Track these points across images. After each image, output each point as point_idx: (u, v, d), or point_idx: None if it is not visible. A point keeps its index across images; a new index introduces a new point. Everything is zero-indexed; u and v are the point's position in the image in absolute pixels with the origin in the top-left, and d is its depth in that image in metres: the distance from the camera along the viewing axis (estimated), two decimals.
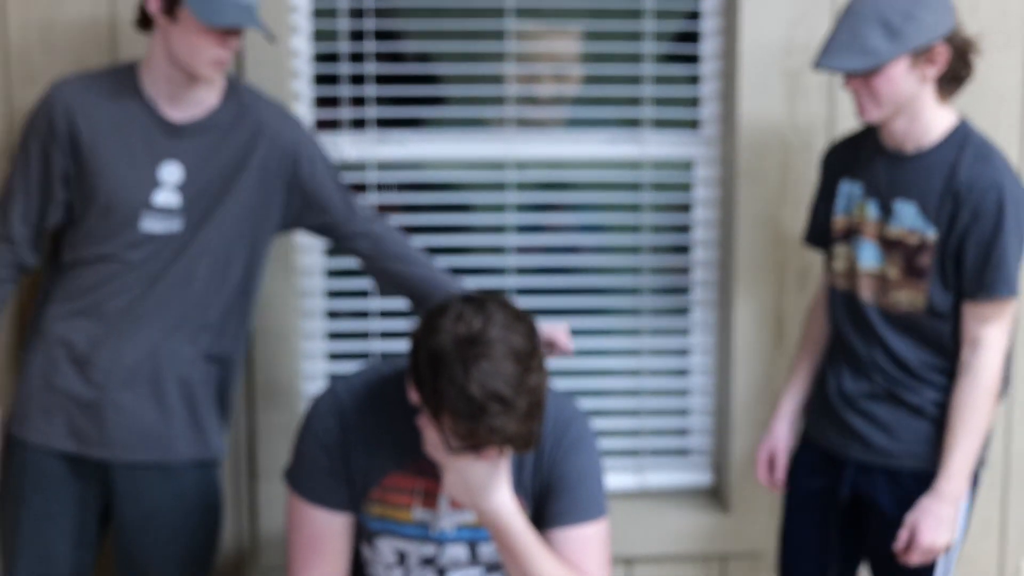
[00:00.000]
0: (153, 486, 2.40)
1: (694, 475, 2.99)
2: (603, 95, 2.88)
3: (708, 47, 2.84)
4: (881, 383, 2.39)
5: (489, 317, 1.91)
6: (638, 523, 2.89)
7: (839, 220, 2.45)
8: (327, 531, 2.12)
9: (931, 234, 2.31)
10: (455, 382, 1.87)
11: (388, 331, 2.86)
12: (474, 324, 1.90)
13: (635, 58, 2.85)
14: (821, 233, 2.52)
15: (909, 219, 2.33)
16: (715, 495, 2.98)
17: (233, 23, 2.24)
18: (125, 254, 2.35)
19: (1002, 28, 2.78)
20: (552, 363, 2.30)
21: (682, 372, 2.98)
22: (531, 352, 1.93)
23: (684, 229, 2.93)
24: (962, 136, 2.33)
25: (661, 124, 2.88)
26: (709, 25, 2.83)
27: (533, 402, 1.91)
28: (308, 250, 2.82)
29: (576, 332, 2.92)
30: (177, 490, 2.41)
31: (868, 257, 2.38)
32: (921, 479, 2.35)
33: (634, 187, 2.90)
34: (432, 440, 1.98)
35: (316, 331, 2.87)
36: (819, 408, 2.52)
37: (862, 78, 2.28)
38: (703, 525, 2.91)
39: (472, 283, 2.78)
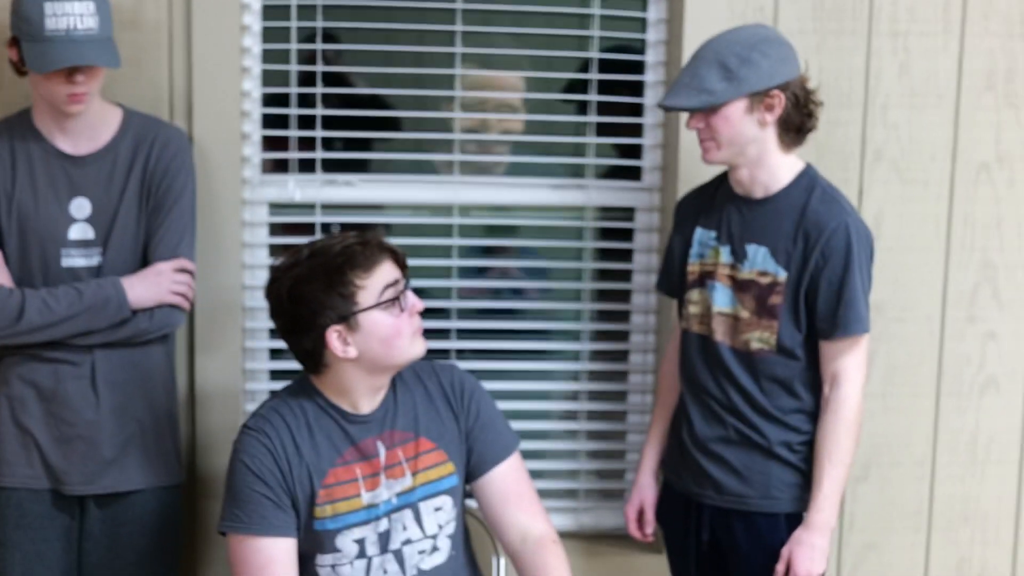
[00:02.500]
0: (121, 513, 2.47)
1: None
2: (548, 142, 2.95)
3: (650, 97, 2.91)
4: (733, 426, 2.44)
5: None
6: (575, 565, 2.90)
7: (693, 266, 2.51)
8: (275, 558, 2.20)
9: (782, 276, 2.38)
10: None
11: None
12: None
13: (579, 106, 2.91)
14: (675, 281, 2.58)
15: (760, 262, 2.40)
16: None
17: (59, 66, 2.29)
18: None
19: (933, 88, 2.88)
20: (492, 403, 2.39)
21: (620, 414, 3.03)
22: None
23: (626, 274, 2.99)
24: (809, 180, 2.41)
25: (603, 172, 2.94)
26: (651, 76, 2.90)
27: None
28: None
29: (517, 374, 2.98)
30: (145, 515, 2.49)
31: (721, 299, 2.44)
32: (774, 521, 2.43)
33: (577, 232, 2.96)
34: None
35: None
36: (675, 455, 2.58)
37: (703, 118, 2.35)
38: (639, 567, 2.95)
39: None
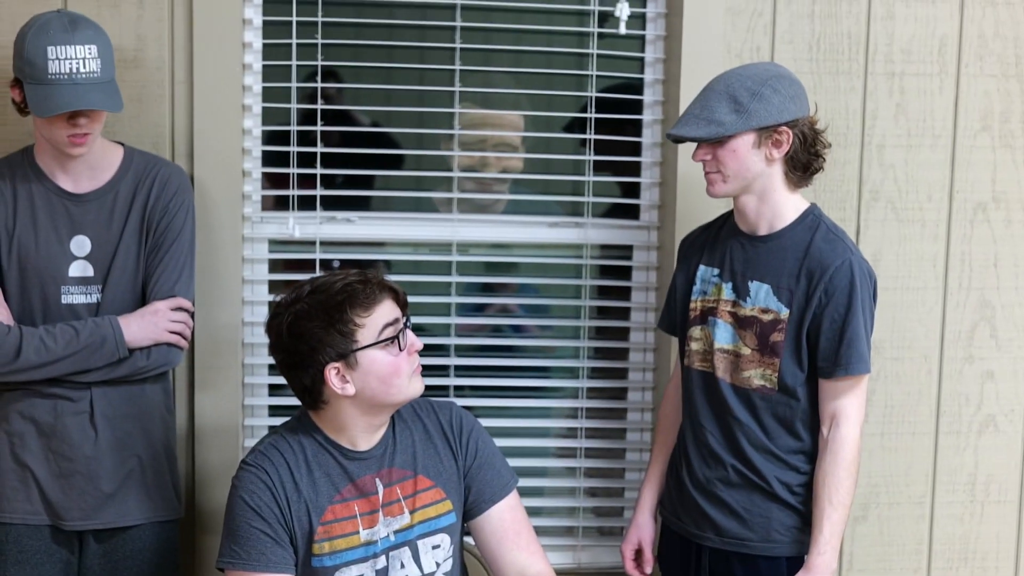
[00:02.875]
0: (120, 548, 2.47)
1: None
2: (546, 180, 2.97)
3: (648, 136, 2.94)
4: (733, 466, 2.44)
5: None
6: None
7: (695, 303, 2.51)
8: None
9: (784, 313, 2.38)
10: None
11: None
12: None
13: (577, 145, 2.93)
14: (676, 319, 2.58)
15: (762, 299, 2.40)
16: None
17: (61, 111, 2.31)
18: None
19: (930, 128, 2.90)
20: (491, 441, 2.40)
21: (619, 451, 3.03)
22: None
23: (624, 312, 3.00)
24: (814, 219, 2.42)
25: (601, 211, 2.96)
26: (649, 115, 2.93)
27: None
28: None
29: (516, 411, 2.98)
30: (144, 549, 2.50)
31: (723, 335, 2.45)
32: (775, 564, 2.42)
33: (576, 270, 2.97)
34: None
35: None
36: (674, 495, 2.57)
37: (710, 149, 2.37)
38: None
39: None
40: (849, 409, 2.37)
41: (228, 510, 2.24)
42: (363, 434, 2.27)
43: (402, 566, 2.27)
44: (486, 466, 2.35)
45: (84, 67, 2.31)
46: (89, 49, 2.32)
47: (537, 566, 2.32)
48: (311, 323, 2.17)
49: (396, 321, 2.22)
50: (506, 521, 2.34)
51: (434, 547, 2.30)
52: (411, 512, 2.27)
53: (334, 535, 2.23)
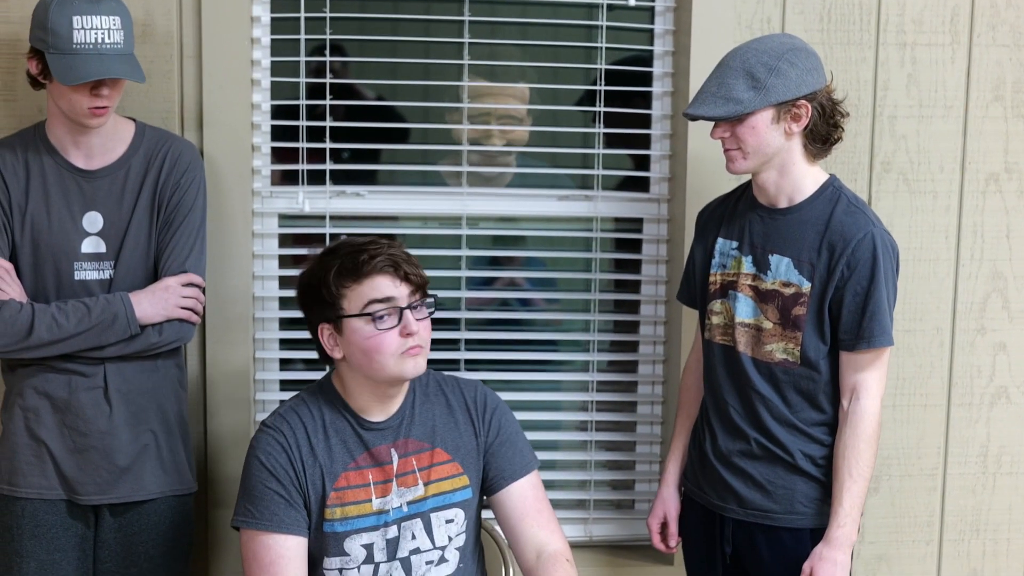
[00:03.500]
0: (135, 521, 2.49)
1: (641, 528, 3.03)
2: (556, 153, 2.96)
3: (657, 108, 2.92)
4: (756, 439, 2.43)
5: None
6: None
7: (715, 276, 2.50)
8: (284, 555, 2.22)
9: (805, 286, 2.37)
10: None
11: None
12: None
13: (587, 118, 2.92)
14: (696, 292, 2.57)
15: (783, 272, 2.39)
16: None
17: (89, 79, 2.31)
18: None
19: (942, 99, 2.88)
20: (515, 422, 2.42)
21: (630, 424, 3.03)
22: None
23: (635, 285, 3.00)
24: (834, 191, 2.40)
25: (612, 184, 2.95)
26: (658, 87, 2.91)
27: None
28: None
29: (527, 384, 2.98)
30: (159, 523, 2.51)
31: (743, 310, 2.44)
32: (798, 536, 2.42)
33: (586, 243, 2.97)
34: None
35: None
36: (696, 467, 2.57)
37: (728, 127, 2.35)
38: None
39: None
40: (870, 381, 2.36)
41: (244, 470, 2.26)
42: (374, 403, 2.28)
43: (413, 537, 2.28)
44: (507, 444, 2.36)
45: (109, 38, 2.33)
46: (113, 20, 2.34)
47: (555, 544, 2.33)
48: (310, 279, 2.26)
49: (389, 300, 2.21)
50: (527, 499, 2.36)
51: (447, 521, 2.31)
52: (425, 484, 2.29)
53: (346, 501, 2.25)
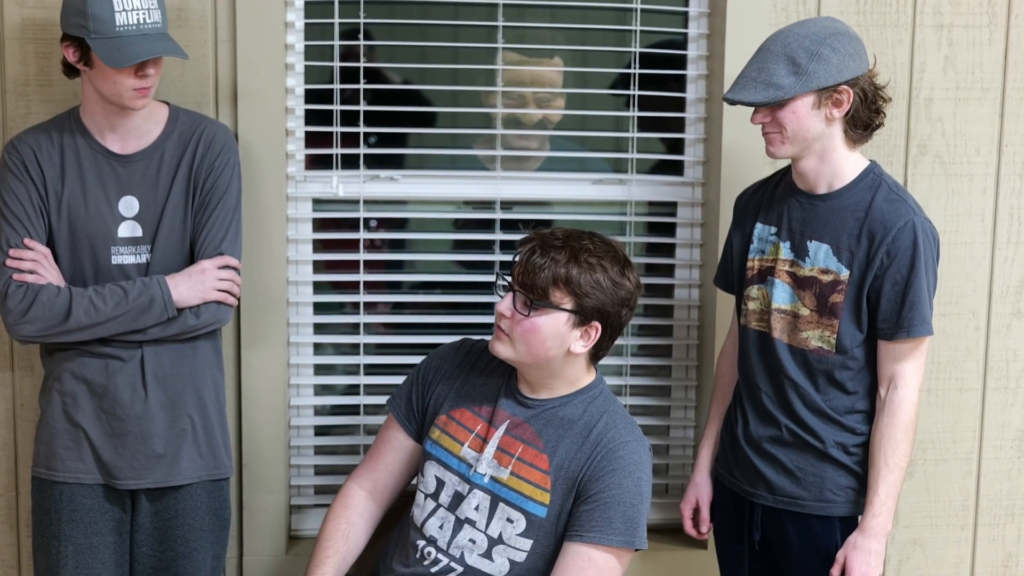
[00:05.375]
0: (172, 506, 2.50)
1: (674, 512, 3.03)
2: (590, 136, 2.95)
3: (692, 92, 2.91)
4: (787, 426, 2.42)
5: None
6: None
7: (753, 262, 2.49)
8: (391, 443, 2.47)
9: (844, 274, 2.35)
10: None
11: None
12: None
13: (621, 101, 2.91)
14: (733, 277, 2.56)
15: (822, 259, 2.37)
16: None
17: (138, 59, 2.31)
18: None
19: (979, 81, 2.86)
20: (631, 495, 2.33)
21: (664, 409, 3.03)
22: None
23: (669, 269, 2.99)
24: (874, 177, 2.38)
25: (646, 168, 2.94)
26: (693, 70, 2.90)
27: None
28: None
29: None
30: (195, 507, 2.52)
31: (781, 296, 2.42)
32: (828, 524, 2.41)
33: (620, 227, 2.96)
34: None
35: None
36: (727, 452, 2.56)
37: (769, 112, 2.32)
38: (686, 562, 2.95)
39: (458, 319, 2.86)
40: (908, 371, 2.35)
41: None
42: (523, 381, 2.37)
43: (476, 508, 2.31)
44: (600, 505, 2.24)
45: (149, 17, 2.34)
46: (151, 0, 2.34)
47: None
48: None
49: (500, 276, 2.44)
50: (570, 568, 2.23)
51: (509, 520, 2.30)
52: (512, 474, 2.30)
53: (448, 432, 2.39)
